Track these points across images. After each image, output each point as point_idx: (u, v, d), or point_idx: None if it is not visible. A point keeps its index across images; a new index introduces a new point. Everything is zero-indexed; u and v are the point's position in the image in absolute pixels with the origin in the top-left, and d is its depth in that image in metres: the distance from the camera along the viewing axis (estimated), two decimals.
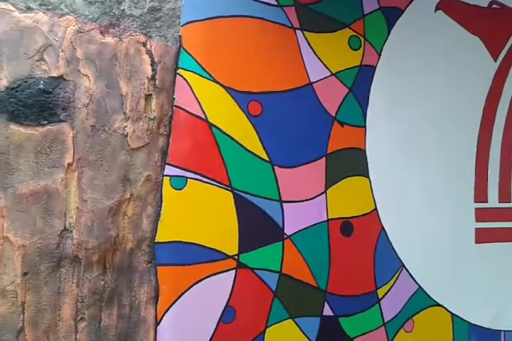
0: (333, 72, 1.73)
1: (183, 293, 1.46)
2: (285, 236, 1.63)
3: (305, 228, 1.66)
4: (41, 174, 1.29)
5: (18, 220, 1.27)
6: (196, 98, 1.50)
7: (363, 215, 1.77)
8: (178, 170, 1.47)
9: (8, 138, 1.27)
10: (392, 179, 1.84)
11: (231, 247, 1.53)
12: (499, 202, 2.04)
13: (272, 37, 1.63)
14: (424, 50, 1.91)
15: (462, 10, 1.99)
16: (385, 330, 1.79)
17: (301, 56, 1.68)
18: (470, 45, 2.00)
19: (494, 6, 2.05)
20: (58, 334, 1.30)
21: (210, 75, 1.53)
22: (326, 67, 1.72)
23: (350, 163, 1.76)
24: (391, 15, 1.85)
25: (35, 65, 1.30)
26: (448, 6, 1.96)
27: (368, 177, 1.79)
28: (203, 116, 1.51)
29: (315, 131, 1.70)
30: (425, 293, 1.88)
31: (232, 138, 1.56)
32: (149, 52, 1.44)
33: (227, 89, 1.55)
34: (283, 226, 1.62)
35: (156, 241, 1.44)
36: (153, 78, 1.44)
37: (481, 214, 2.00)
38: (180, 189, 1.48)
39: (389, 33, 1.84)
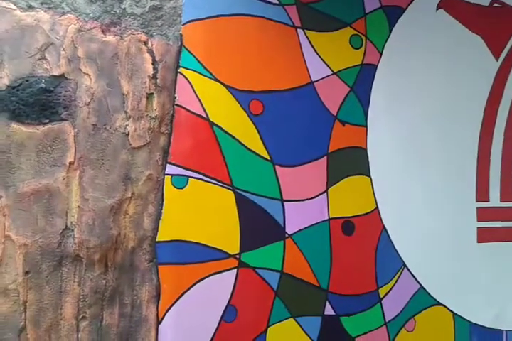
0: (335, 71, 1.73)
1: (184, 292, 1.46)
2: (286, 235, 1.63)
3: (306, 227, 1.66)
4: (43, 173, 1.29)
5: (19, 219, 1.27)
6: (197, 97, 1.50)
7: (364, 214, 1.77)
8: (179, 169, 1.47)
9: (10, 136, 1.27)
10: (394, 178, 1.84)
11: (232, 246, 1.53)
12: (501, 201, 2.04)
13: (273, 36, 1.63)
14: (426, 48, 1.91)
15: (464, 9, 1.99)
16: (386, 330, 1.79)
17: (303, 55, 1.68)
18: (471, 43, 2.00)
19: (496, 4, 2.05)
20: (60, 333, 1.30)
21: (211, 74, 1.52)
22: (328, 66, 1.72)
23: (352, 162, 1.76)
24: (392, 14, 1.85)
25: (36, 64, 1.30)
26: (449, 5, 1.96)
27: (369, 176, 1.79)
28: (204, 115, 1.51)
29: (316, 130, 1.70)
30: (427, 292, 1.87)
31: (233, 137, 1.56)
32: (150, 51, 1.44)
33: (228, 88, 1.55)
34: (284, 225, 1.62)
35: (157, 240, 1.44)
36: (154, 77, 1.44)
37: (482, 214, 2.00)
38: (182, 188, 1.47)
39: (390, 32, 1.84)
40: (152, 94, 1.44)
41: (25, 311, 1.26)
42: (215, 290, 1.50)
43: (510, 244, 2.04)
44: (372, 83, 1.80)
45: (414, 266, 1.85)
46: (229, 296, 1.52)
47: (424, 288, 1.87)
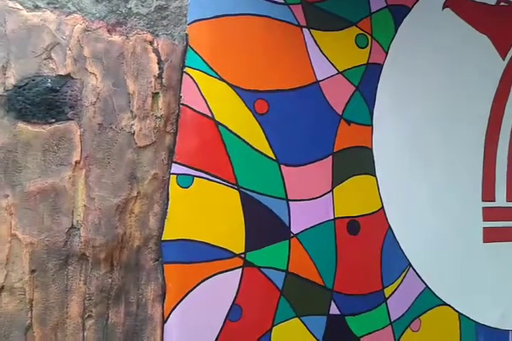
0: (340, 70, 1.73)
1: (189, 291, 1.46)
2: (291, 234, 1.63)
3: (311, 227, 1.66)
4: (49, 172, 1.30)
5: (25, 218, 1.27)
6: (203, 96, 1.51)
7: (369, 214, 1.77)
8: (184, 168, 1.48)
9: (16, 136, 1.27)
10: (399, 178, 1.83)
11: (238, 245, 1.53)
12: (507, 201, 2.03)
13: (278, 35, 1.63)
14: (432, 48, 1.90)
15: (470, 8, 1.98)
16: (391, 329, 1.78)
17: (308, 54, 1.68)
18: (478, 43, 1.99)
19: (502, 3, 2.04)
20: (66, 331, 1.30)
21: (216, 74, 1.53)
22: (333, 65, 1.72)
23: (357, 162, 1.76)
24: (398, 13, 1.85)
25: (42, 64, 1.30)
26: (455, 4, 1.95)
27: (375, 175, 1.78)
28: (209, 115, 1.51)
29: (321, 129, 1.70)
30: (432, 292, 1.87)
31: (238, 137, 1.56)
32: (156, 51, 1.45)
33: (233, 87, 1.55)
34: (289, 224, 1.62)
35: (162, 239, 1.44)
36: (160, 76, 1.44)
37: (488, 214, 1.99)
38: (187, 187, 1.48)
39: (396, 31, 1.84)
40: (158, 93, 1.44)
41: (31, 309, 1.27)
42: (220, 290, 1.50)
43: None
44: (377, 82, 1.80)
45: (419, 266, 1.85)
46: (234, 295, 1.52)
47: (429, 288, 1.86)
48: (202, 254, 1.48)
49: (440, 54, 1.92)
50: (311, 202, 1.66)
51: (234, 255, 1.53)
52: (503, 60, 2.04)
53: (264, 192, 1.59)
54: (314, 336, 1.64)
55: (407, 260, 1.83)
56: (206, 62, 1.51)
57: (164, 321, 1.43)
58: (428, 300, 1.86)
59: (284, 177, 1.62)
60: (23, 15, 1.29)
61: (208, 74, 1.51)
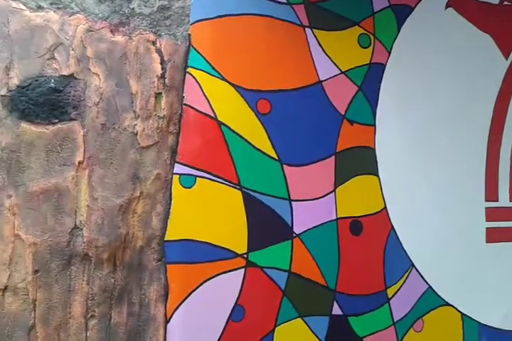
0: (343, 70, 1.73)
1: (192, 291, 1.46)
2: (294, 234, 1.62)
3: (314, 227, 1.66)
4: (52, 172, 1.30)
5: (29, 218, 1.28)
6: (205, 96, 1.51)
7: (372, 214, 1.77)
8: (187, 168, 1.48)
9: (19, 136, 1.28)
10: (402, 178, 1.83)
11: (240, 246, 1.53)
12: (510, 201, 2.03)
13: (281, 35, 1.63)
14: (435, 47, 1.90)
15: (473, 7, 1.97)
16: (394, 330, 1.78)
17: (311, 54, 1.67)
18: (481, 42, 1.99)
19: (506, 2, 2.03)
20: (69, 331, 1.30)
21: (219, 74, 1.53)
22: (336, 65, 1.72)
23: (360, 162, 1.76)
24: (401, 13, 1.84)
25: (45, 64, 1.31)
26: (458, 4, 1.95)
27: (378, 175, 1.78)
28: (212, 115, 1.51)
29: (324, 129, 1.70)
30: (435, 292, 1.87)
31: (241, 137, 1.56)
32: (159, 51, 1.45)
33: (236, 87, 1.55)
34: (292, 224, 1.62)
35: (165, 239, 1.44)
36: (162, 76, 1.45)
37: (491, 214, 1.98)
38: (190, 187, 1.48)
39: (399, 31, 1.83)
40: (160, 93, 1.44)
41: (34, 310, 1.27)
42: (223, 290, 1.50)
43: None
44: (380, 82, 1.80)
45: (422, 266, 1.84)
46: (237, 296, 1.52)
47: (432, 288, 1.86)
48: (204, 254, 1.48)
49: (443, 53, 1.91)
50: (313, 202, 1.66)
51: (236, 255, 1.53)
52: (506, 59, 2.04)
53: (266, 192, 1.59)
54: (317, 336, 1.64)
55: (410, 260, 1.82)
56: (209, 62, 1.51)
57: (167, 321, 1.43)
58: (431, 300, 1.86)
59: (287, 177, 1.62)
60: (26, 16, 1.30)
61: (211, 74, 1.51)
